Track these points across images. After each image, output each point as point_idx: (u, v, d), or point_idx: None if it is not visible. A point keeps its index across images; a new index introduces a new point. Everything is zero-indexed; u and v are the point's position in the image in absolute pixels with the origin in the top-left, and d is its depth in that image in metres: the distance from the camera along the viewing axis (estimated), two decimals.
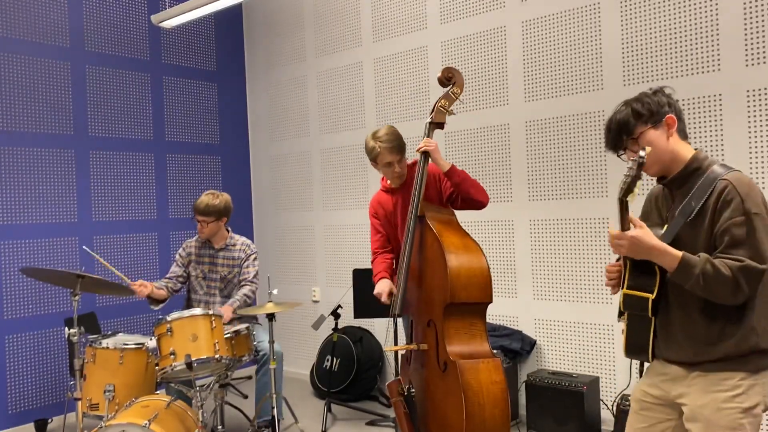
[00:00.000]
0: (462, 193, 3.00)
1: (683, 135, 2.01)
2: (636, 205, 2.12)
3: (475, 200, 3.01)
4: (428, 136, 3.00)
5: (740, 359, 1.87)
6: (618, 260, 2.12)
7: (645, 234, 1.86)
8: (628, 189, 1.82)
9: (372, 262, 3.35)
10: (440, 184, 3.16)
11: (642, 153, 1.82)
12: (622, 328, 2.08)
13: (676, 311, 1.95)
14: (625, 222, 1.88)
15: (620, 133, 1.98)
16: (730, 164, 1.99)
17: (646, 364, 2.12)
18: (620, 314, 2.08)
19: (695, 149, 2.00)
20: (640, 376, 2.14)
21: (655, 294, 1.92)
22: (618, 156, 2.04)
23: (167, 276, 4.19)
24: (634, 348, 2.05)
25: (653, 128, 1.95)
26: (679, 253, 1.84)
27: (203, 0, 4.30)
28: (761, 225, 1.81)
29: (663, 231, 1.96)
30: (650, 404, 2.06)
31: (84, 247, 4.22)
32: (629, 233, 1.86)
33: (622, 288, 2.01)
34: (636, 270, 1.97)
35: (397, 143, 3.12)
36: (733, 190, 1.84)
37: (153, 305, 4.06)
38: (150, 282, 3.99)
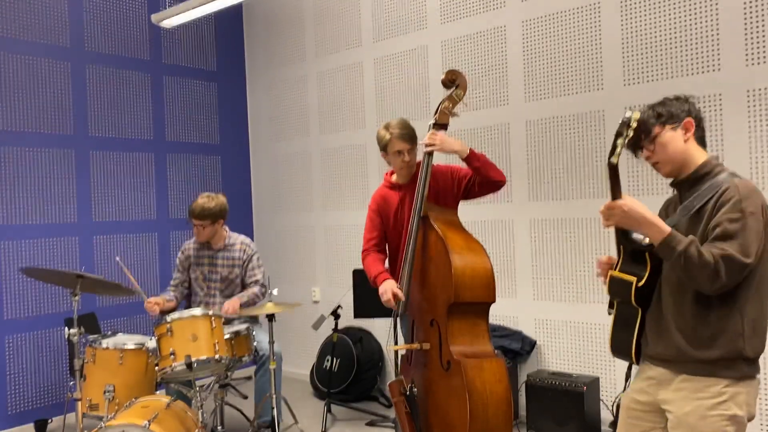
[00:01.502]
0: (482, 177, 2.98)
1: (701, 142, 2.07)
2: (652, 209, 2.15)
3: (495, 181, 3.00)
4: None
5: (726, 364, 1.90)
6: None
7: (636, 203, 1.93)
8: (612, 149, 1.90)
9: (364, 259, 3.26)
10: (452, 179, 3.14)
11: (628, 114, 1.90)
12: (609, 324, 2.12)
13: (668, 303, 1.99)
14: (616, 190, 1.95)
15: (639, 133, 2.02)
16: (730, 164, 2.02)
17: (634, 368, 2.15)
18: (610, 305, 2.13)
19: (709, 155, 2.05)
20: (626, 380, 2.18)
21: (643, 282, 1.99)
22: (636, 156, 2.10)
23: (172, 284, 4.20)
24: (619, 346, 2.09)
25: (671, 129, 2.02)
26: (668, 228, 1.90)
27: (203, 0, 4.30)
28: (755, 224, 1.86)
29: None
30: (638, 412, 2.10)
31: (117, 258, 4.24)
32: (621, 202, 1.93)
33: (612, 271, 2.08)
34: (628, 257, 2.06)
35: (408, 131, 3.12)
36: (735, 190, 1.89)
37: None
38: (161, 296, 4.03)
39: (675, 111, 2.03)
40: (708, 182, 1.98)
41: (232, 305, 3.84)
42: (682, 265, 1.85)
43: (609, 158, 1.91)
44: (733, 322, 1.90)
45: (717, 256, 1.82)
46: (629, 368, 2.17)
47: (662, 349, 2.00)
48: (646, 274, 1.99)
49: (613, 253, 2.19)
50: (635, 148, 2.08)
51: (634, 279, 1.99)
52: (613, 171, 1.93)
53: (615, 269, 2.08)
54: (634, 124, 1.90)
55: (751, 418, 1.94)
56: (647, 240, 1.96)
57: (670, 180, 2.12)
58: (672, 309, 1.98)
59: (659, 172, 2.09)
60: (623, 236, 2.05)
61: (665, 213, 2.17)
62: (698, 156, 2.04)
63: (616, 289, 2.06)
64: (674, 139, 2.02)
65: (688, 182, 2.04)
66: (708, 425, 1.89)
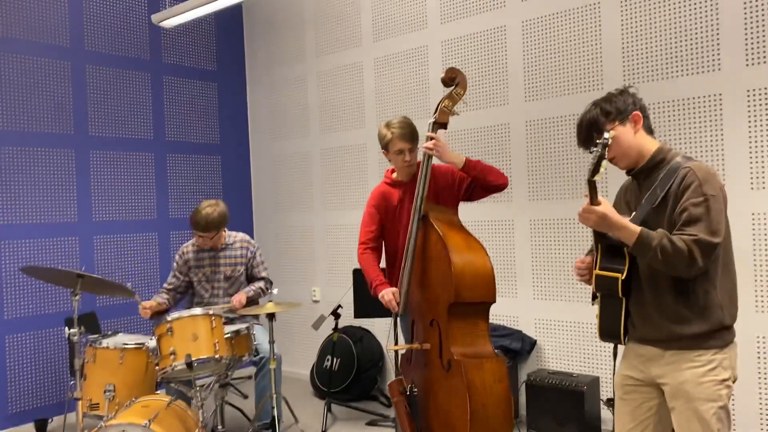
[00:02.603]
0: (481, 183, 2.99)
1: (649, 130, 2.18)
2: (609, 195, 2.26)
3: (496, 185, 3.00)
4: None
5: (710, 335, 2.02)
6: (587, 253, 2.30)
7: (611, 210, 2.02)
8: (594, 169, 1.96)
9: (362, 255, 3.23)
10: (452, 180, 3.13)
11: (606, 135, 1.97)
12: (596, 312, 2.20)
13: (648, 291, 2.09)
14: (594, 196, 2.03)
15: (590, 131, 2.14)
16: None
17: (620, 348, 2.24)
18: (594, 298, 2.22)
19: (660, 143, 2.16)
20: (614, 359, 2.26)
21: (624, 274, 2.07)
22: (589, 152, 2.16)
23: (166, 287, 4.16)
24: (608, 331, 2.18)
25: (620, 124, 2.11)
26: (638, 228, 1.99)
27: (203, 0, 4.30)
28: (716, 206, 1.97)
29: (630, 217, 2.10)
30: (632, 387, 2.19)
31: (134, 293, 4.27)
32: (598, 208, 2.00)
33: (594, 269, 2.15)
34: (607, 253, 2.13)
35: (409, 130, 3.10)
36: (693, 174, 2.00)
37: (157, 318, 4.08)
38: (153, 300, 4.00)
39: (621, 106, 2.12)
40: (664, 169, 2.08)
41: (239, 299, 3.91)
42: (660, 259, 1.94)
43: (591, 177, 1.97)
44: (712, 297, 2.01)
45: (689, 242, 1.92)
46: (615, 348, 2.26)
47: (649, 331, 2.10)
48: (626, 267, 2.08)
49: None
50: (587, 145, 2.15)
51: (619, 275, 2.08)
52: (593, 186, 2.00)
53: (596, 268, 2.15)
54: (611, 143, 1.99)
55: (734, 380, 2.06)
56: None
57: (626, 172, 2.21)
58: (651, 297, 2.08)
59: (617, 166, 2.17)
60: (600, 234, 2.13)
61: (623, 198, 2.26)
62: (650, 145, 2.14)
63: (603, 285, 2.14)
64: (625, 134, 2.11)
65: (645, 171, 2.14)
66: (703, 390, 2.00)
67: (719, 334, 2.02)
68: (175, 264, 4.20)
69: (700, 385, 2.00)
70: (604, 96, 2.18)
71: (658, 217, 2.05)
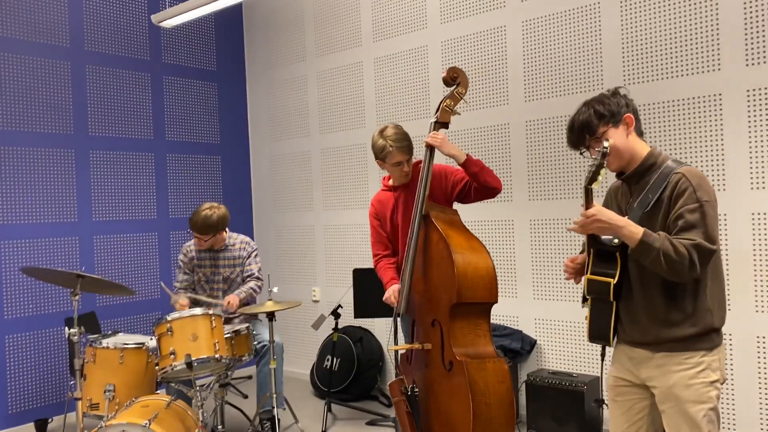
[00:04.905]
0: (479, 183, 2.98)
1: (640, 133, 2.17)
2: (598, 197, 2.23)
3: (492, 187, 3.00)
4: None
5: (699, 338, 2.03)
6: (581, 252, 2.29)
7: (609, 212, 2.01)
8: (592, 177, 1.97)
9: (376, 267, 3.31)
10: (446, 182, 3.14)
11: (606, 144, 1.98)
12: (585, 315, 2.21)
13: (638, 295, 2.09)
14: (589, 202, 2.03)
15: (583, 133, 2.12)
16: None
17: (608, 350, 2.25)
18: (584, 300, 2.22)
19: (650, 146, 2.15)
20: (602, 360, 2.25)
21: (616, 279, 2.08)
22: (580, 153, 2.19)
23: (180, 286, 4.19)
24: (597, 333, 2.19)
25: (614, 127, 2.10)
26: (641, 229, 1.98)
27: (203, 0, 4.30)
28: (711, 212, 1.98)
29: None
30: (624, 388, 2.20)
31: (161, 282, 4.34)
32: (597, 214, 2.00)
33: (586, 274, 2.15)
34: (599, 257, 2.14)
35: (407, 143, 3.12)
36: (687, 180, 2.00)
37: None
38: (181, 298, 4.01)
39: (614, 108, 2.10)
40: (656, 173, 2.08)
41: (233, 301, 3.88)
42: (662, 262, 1.93)
43: (589, 184, 1.98)
44: (702, 301, 2.02)
45: (688, 247, 1.92)
46: (603, 349, 2.25)
47: (638, 335, 2.12)
48: (618, 272, 2.08)
49: None
50: (578, 146, 2.16)
51: (611, 280, 2.08)
52: (589, 193, 2.01)
53: (587, 272, 2.15)
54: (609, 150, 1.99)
55: (722, 382, 2.07)
56: (616, 240, 2.06)
57: (615, 174, 2.21)
58: (642, 301, 2.09)
59: (608, 168, 2.14)
60: (592, 239, 2.14)
61: (614, 201, 2.26)
62: (641, 148, 2.13)
63: (595, 289, 2.15)
64: (617, 136, 2.09)
65: (636, 175, 2.13)
66: (693, 392, 2.01)
67: (708, 337, 2.04)
68: (180, 263, 4.21)
69: (690, 388, 2.01)
70: (596, 97, 2.15)
71: (651, 222, 2.04)
